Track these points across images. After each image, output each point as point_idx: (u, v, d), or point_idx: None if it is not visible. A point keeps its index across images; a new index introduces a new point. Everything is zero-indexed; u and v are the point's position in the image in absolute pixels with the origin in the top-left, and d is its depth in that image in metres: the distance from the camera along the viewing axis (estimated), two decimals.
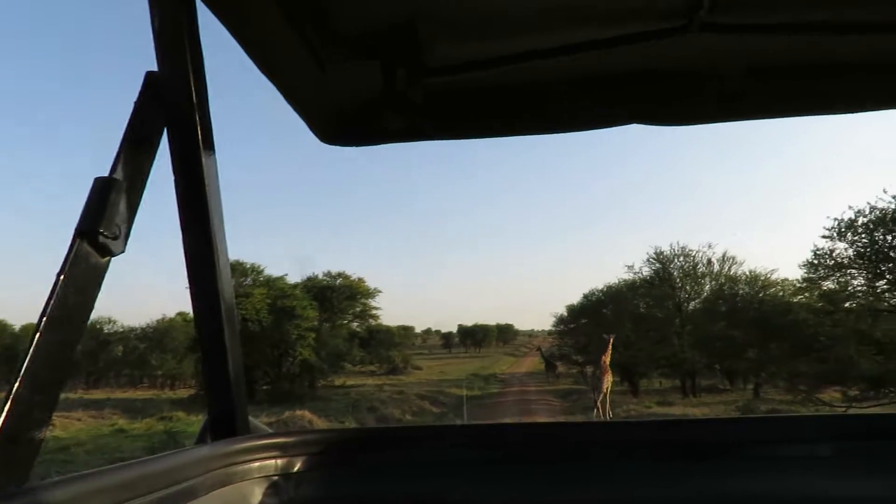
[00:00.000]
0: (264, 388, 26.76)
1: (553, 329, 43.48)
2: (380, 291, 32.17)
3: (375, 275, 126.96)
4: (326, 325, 30.83)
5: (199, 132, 1.16)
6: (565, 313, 39.13)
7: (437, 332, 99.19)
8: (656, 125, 1.19)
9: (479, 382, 37.81)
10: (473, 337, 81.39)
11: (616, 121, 1.18)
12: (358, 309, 32.26)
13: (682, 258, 26.25)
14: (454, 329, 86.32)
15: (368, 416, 20.74)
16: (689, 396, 26.08)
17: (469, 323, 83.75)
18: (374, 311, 32.71)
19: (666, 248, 26.80)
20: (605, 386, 17.49)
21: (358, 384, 34.19)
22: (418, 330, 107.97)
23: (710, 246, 25.99)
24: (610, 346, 18.43)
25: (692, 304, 27.06)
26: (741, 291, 25.51)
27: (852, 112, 1.21)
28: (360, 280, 31.44)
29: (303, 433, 1.44)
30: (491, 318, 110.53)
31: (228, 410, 1.28)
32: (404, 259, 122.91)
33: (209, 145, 1.18)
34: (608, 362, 18.07)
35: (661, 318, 28.02)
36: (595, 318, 34.04)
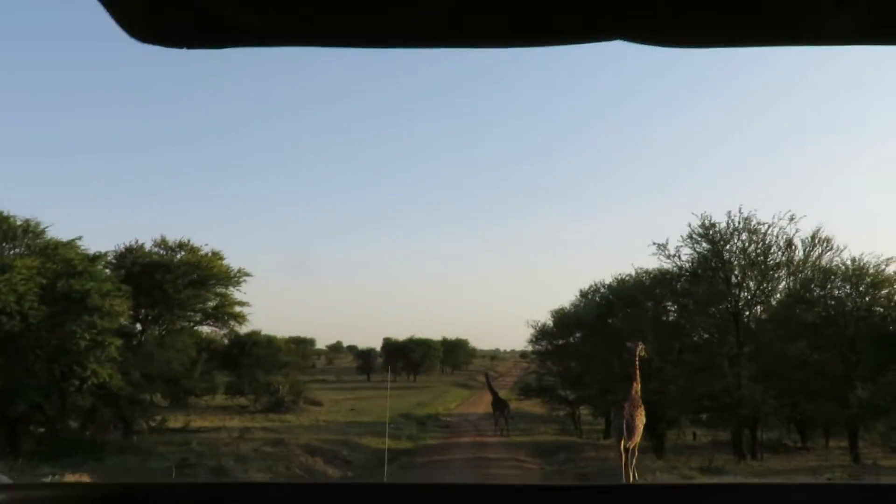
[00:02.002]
0: (40, 431, 23.51)
1: (530, 348, 41.25)
2: (248, 275, 28.77)
3: (248, 255, 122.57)
4: (154, 328, 27.48)
5: None
6: (550, 322, 36.78)
7: (352, 348, 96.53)
8: (650, 45, 1.18)
9: (410, 428, 35.76)
10: (406, 358, 79.00)
11: (592, 33, 1.17)
12: (211, 303, 28.88)
13: (745, 235, 23.76)
14: (377, 345, 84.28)
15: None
16: (746, 458, 24.01)
17: (400, 336, 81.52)
18: (238, 309, 29.27)
19: (721, 219, 24.25)
20: (638, 429, 16.21)
21: (213, 426, 31.28)
22: (322, 344, 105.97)
23: (792, 218, 23.53)
24: (638, 362, 17.21)
25: (756, 311, 24.74)
26: (838, 292, 23.27)
27: None
28: (215, 255, 28.03)
29: (72, 487, 1.64)
30: (435, 332, 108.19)
31: None
32: (293, 235, 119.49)
33: None
34: (640, 389, 16.77)
35: (707, 331, 25.66)
36: (597, 330, 31.79)
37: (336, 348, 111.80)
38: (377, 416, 41.91)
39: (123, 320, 23.96)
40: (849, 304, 23.05)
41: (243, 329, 33.91)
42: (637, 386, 16.85)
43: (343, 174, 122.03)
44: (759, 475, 20.12)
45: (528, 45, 1.22)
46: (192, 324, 29.59)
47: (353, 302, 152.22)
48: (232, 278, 28.56)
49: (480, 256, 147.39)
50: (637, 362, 17.19)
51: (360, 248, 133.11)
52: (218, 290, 28.53)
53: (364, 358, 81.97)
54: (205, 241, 29.18)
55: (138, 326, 27.69)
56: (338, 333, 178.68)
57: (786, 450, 29.07)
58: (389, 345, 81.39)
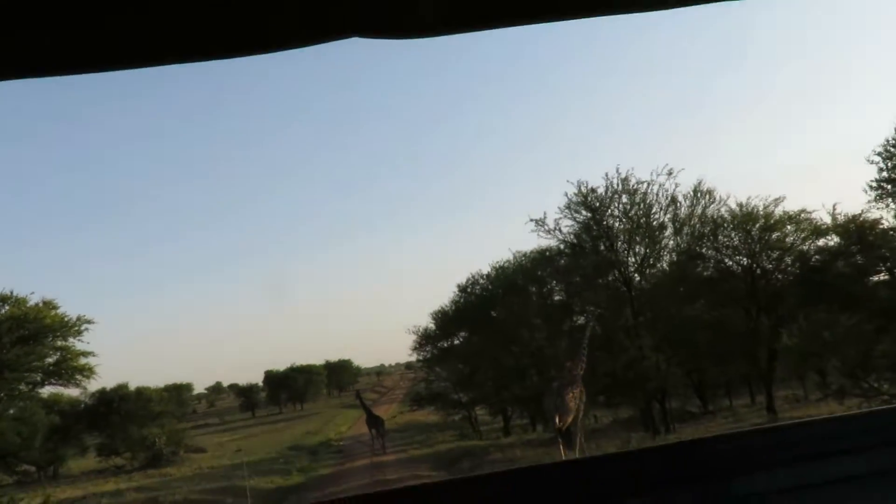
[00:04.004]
0: None
1: (416, 358, 38.32)
2: (89, 322, 24.58)
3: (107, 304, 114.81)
4: None
5: None
6: (432, 324, 33.88)
7: (234, 387, 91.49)
8: (379, 38, 1.18)
9: (301, 461, 32.48)
10: (290, 388, 75.36)
11: (325, 35, 1.15)
12: (51, 359, 24.51)
13: (626, 197, 21.39)
14: (259, 380, 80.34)
15: None
16: (661, 433, 21.71)
17: (281, 366, 77.72)
18: (83, 361, 24.99)
19: (598, 184, 21.77)
20: (571, 408, 15.03)
21: (78, 496, 26.89)
22: (200, 388, 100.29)
23: (670, 173, 21.30)
24: (588, 336, 16.55)
25: (647, 276, 22.47)
26: (729, 240, 21.20)
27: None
28: (48, 304, 23.75)
29: None
30: (317, 357, 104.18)
31: None
32: (152, 277, 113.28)
33: None
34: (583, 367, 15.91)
35: (599, 306, 23.27)
36: (480, 324, 29.14)
37: (217, 389, 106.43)
38: (265, 453, 38.46)
39: None
40: (743, 252, 21.01)
41: (92, 383, 29.22)
42: (577, 364, 16.03)
43: (175, 210, 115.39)
44: None
45: (261, 52, 1.14)
46: (30, 386, 25.02)
47: (228, 340, 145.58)
48: (71, 327, 24.31)
49: (351, 272, 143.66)
50: (587, 337, 16.47)
51: (226, 281, 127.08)
52: (55, 343, 24.21)
53: (246, 395, 77.56)
54: (31, 290, 24.70)
55: None
56: (218, 374, 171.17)
57: (692, 417, 27.17)
58: (271, 377, 77.33)
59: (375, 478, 23.21)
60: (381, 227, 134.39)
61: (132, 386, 45.86)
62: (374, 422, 32.86)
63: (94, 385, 49.13)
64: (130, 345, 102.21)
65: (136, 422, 42.40)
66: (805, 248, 20.31)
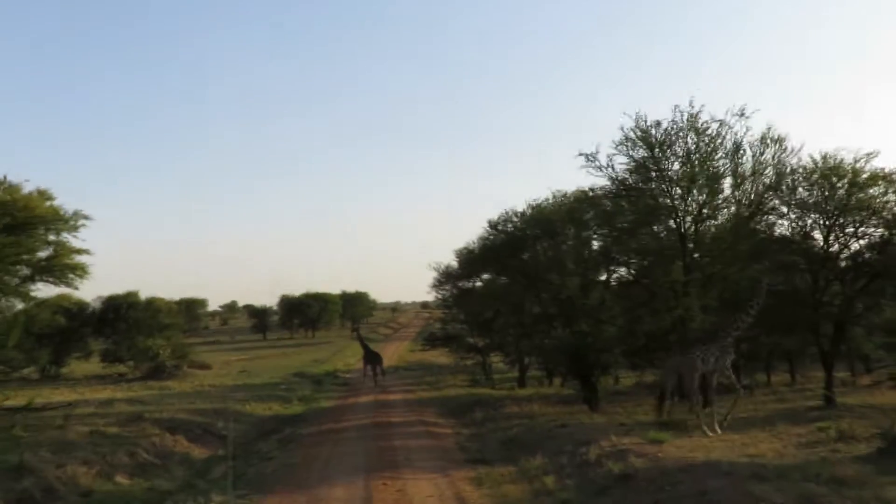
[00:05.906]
0: None
1: (434, 296, 35.78)
2: (86, 217, 22.01)
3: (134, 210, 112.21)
4: None
5: None
6: (454, 262, 31.23)
7: (249, 307, 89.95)
8: None
9: (304, 390, 30.02)
10: (304, 314, 73.56)
11: None
12: (42, 254, 22.01)
13: (692, 136, 18.19)
14: (274, 303, 78.57)
15: None
16: (697, 404, 18.92)
17: (297, 292, 75.83)
18: (77, 260, 22.47)
19: (663, 116, 18.51)
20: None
21: (66, 401, 24.70)
22: (215, 305, 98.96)
23: (742, 114, 18.00)
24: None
25: (707, 229, 19.40)
26: (809, 195, 17.99)
27: None
28: (42, 194, 21.18)
29: None
30: (335, 287, 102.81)
31: None
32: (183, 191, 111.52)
33: None
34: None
35: (646, 257, 20.38)
36: (508, 266, 26.39)
37: (232, 308, 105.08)
38: (269, 377, 36.31)
39: None
40: (821, 210, 17.75)
41: (84, 284, 26.51)
42: (736, 322, 14.79)
43: (221, 125, 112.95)
44: (736, 429, 15.05)
45: None
46: (19, 281, 22.50)
47: (249, 260, 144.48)
48: (66, 221, 21.74)
49: (378, 207, 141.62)
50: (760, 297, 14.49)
51: (255, 203, 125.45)
52: (46, 236, 21.65)
53: (259, 316, 75.77)
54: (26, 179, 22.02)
55: None
56: (235, 293, 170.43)
57: (725, 390, 24.34)
58: (287, 302, 75.48)
59: (377, 418, 20.80)
60: (420, 153, 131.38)
61: (144, 295, 43.92)
62: (371, 358, 31.54)
63: (104, 290, 47.21)
64: (155, 254, 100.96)
65: (143, 331, 40.61)
66: None
